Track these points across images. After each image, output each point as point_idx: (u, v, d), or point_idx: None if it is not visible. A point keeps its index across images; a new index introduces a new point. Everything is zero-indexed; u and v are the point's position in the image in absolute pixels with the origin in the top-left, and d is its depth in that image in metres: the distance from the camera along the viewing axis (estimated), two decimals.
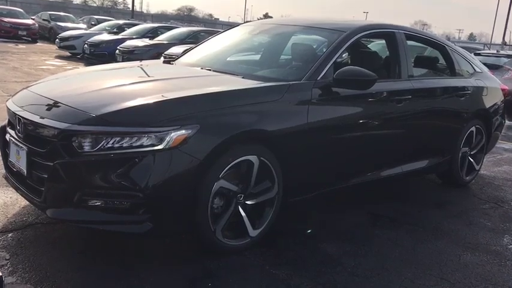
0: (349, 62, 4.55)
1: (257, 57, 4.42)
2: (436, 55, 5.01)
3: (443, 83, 4.41)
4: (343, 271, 2.88)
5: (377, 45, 6.34)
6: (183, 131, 2.59)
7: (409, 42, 4.30)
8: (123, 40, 15.35)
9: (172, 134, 2.56)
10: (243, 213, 2.93)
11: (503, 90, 5.29)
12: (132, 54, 13.69)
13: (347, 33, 3.71)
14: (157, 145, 2.54)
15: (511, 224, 3.93)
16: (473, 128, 4.74)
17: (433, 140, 4.35)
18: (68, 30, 19.70)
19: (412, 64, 4.25)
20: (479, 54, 12.72)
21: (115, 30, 18.53)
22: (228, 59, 4.10)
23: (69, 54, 17.10)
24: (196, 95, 2.82)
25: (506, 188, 4.96)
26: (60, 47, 17.24)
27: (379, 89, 3.63)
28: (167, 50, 11.60)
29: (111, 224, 2.61)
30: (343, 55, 4.58)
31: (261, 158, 2.93)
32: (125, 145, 2.54)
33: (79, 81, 3.40)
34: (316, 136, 3.21)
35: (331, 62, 3.44)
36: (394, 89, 3.82)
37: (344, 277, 2.81)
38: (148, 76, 3.37)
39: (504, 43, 26.53)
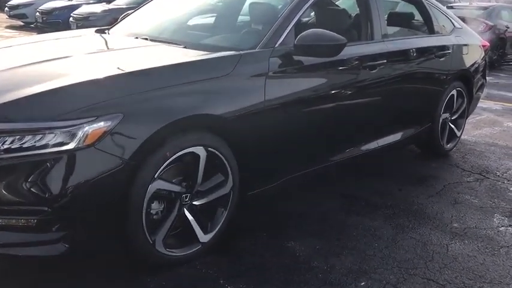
0: (315, 22, 3.97)
1: (209, 20, 3.82)
2: (411, 10, 4.48)
3: (422, 43, 3.88)
4: (314, 278, 2.40)
5: (347, 1, 5.76)
6: (101, 124, 2.01)
7: None
8: (78, 6, 14.29)
9: (86, 128, 1.99)
10: (190, 217, 2.40)
11: (483, 46, 4.81)
12: (87, 21, 12.74)
13: None
14: (67, 144, 1.97)
15: (500, 199, 3.52)
16: (454, 92, 4.27)
17: (411, 108, 3.85)
18: None
19: (386, 22, 3.70)
20: (451, 8, 12.23)
21: None
22: (171, 24, 3.46)
23: (22, 24, 15.95)
24: (117, 75, 2.20)
25: (489, 154, 4.55)
26: (10, 16, 16.00)
27: (349, 55, 3.08)
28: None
29: (16, 247, 2.04)
30: (308, 15, 4.01)
31: (209, 149, 2.38)
32: (25, 145, 1.96)
33: None
34: (276, 116, 2.67)
35: (292, 24, 2.87)
36: (366, 54, 3.28)
37: (315, 286, 2.34)
38: (66, 52, 2.73)
39: None
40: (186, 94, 2.30)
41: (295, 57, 2.79)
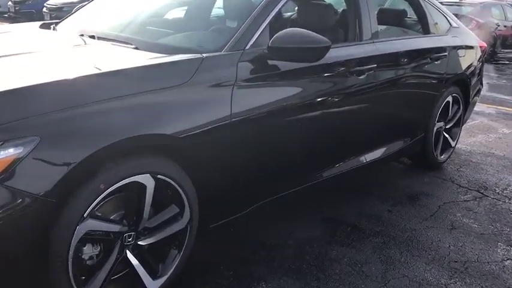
0: (297, 18, 3.52)
1: (178, 13, 3.34)
2: (403, 7, 4.05)
3: (416, 45, 3.44)
4: None
5: None
6: (10, 150, 1.54)
7: None
8: None
9: None
10: (134, 261, 1.93)
11: (481, 47, 4.40)
12: (61, 12, 12.07)
13: None
14: None
15: (502, 223, 3.12)
16: (449, 98, 3.85)
17: (403, 118, 3.44)
18: None
19: (376, 20, 3.24)
20: (440, 4, 11.86)
21: None
22: (129, 19, 2.96)
23: None
24: (35, 85, 1.70)
25: (486, 166, 4.15)
26: None
27: (334, 58, 2.63)
28: None
29: None
30: (287, 11, 3.57)
31: (159, 176, 1.92)
32: None
33: None
34: (245, 132, 2.22)
35: (266, 21, 2.41)
36: (354, 57, 2.83)
37: None
38: None
39: None
40: (129, 109, 1.82)
41: (270, 62, 2.33)
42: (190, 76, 2.03)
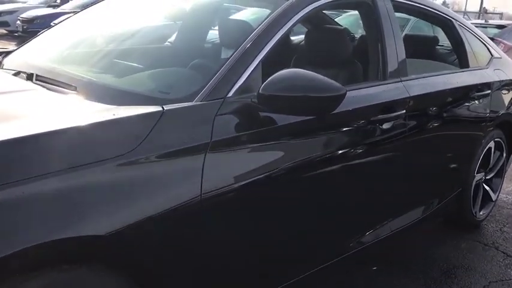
0: (305, 49, 2.88)
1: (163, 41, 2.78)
2: (425, 30, 3.40)
3: (453, 82, 2.75)
4: None
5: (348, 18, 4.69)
6: None
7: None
8: (60, 14, 13.33)
9: None
10: None
11: None
12: None
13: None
14: None
15: None
16: (491, 144, 3.17)
17: (436, 173, 2.75)
18: (3, 3, 17.38)
19: (404, 51, 2.57)
20: None
21: (57, 2, 16.38)
22: (92, 47, 2.36)
23: (5, 32, 15.03)
24: None
25: None
26: None
27: (349, 105, 1.95)
28: None
29: None
30: (291, 39, 2.96)
31: None
32: None
33: None
34: (221, 215, 1.56)
35: (259, 57, 1.77)
36: (377, 102, 2.17)
37: None
38: None
39: (485, 11, 24.71)
40: (29, 201, 1.17)
41: (262, 114, 1.69)
42: (139, 141, 1.39)
